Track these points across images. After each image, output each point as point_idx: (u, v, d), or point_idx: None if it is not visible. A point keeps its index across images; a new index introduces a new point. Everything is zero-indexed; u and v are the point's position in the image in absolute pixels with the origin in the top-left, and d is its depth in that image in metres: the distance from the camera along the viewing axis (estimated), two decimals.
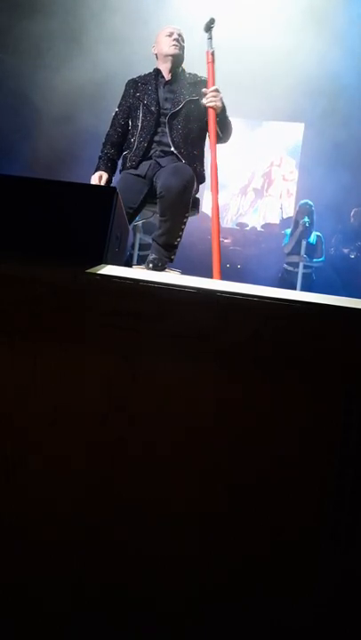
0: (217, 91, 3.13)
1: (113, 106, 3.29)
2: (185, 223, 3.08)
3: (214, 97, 3.12)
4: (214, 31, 3.29)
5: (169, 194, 2.95)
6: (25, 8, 6.25)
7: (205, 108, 3.16)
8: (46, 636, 1.21)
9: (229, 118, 3.24)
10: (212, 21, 3.26)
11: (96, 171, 3.18)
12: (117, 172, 3.26)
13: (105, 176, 3.16)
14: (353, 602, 1.16)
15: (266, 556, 1.18)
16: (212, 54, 3.23)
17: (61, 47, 6.39)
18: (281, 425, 1.18)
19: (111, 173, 3.21)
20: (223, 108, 3.16)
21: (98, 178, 3.15)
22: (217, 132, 3.18)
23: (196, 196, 3.19)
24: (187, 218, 3.10)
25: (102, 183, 3.14)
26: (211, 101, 3.12)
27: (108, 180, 3.18)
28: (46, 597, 1.21)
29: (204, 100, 3.13)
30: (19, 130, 6.50)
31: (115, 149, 3.21)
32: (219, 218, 3.15)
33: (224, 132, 3.22)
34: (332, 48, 6.55)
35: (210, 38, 3.26)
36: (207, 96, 3.13)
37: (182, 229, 3.07)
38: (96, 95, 6.03)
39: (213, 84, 3.16)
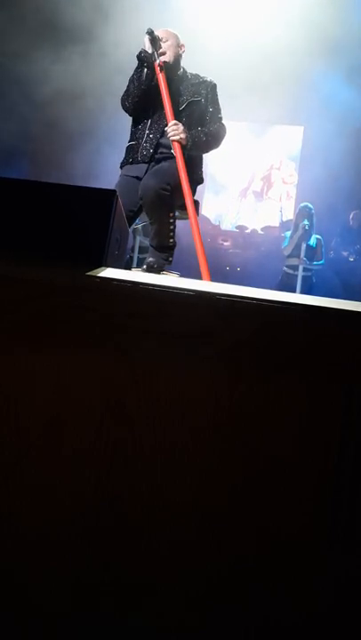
0: (175, 124, 3.04)
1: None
2: (173, 224, 3.03)
3: (175, 130, 3.03)
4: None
5: (146, 195, 2.94)
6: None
7: (206, 111, 3.15)
8: (46, 633, 1.22)
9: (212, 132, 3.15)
10: (150, 32, 3.08)
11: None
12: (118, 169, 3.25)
13: None
14: (353, 601, 1.17)
15: (265, 556, 1.18)
16: (160, 66, 3.07)
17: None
18: (280, 425, 1.19)
19: None
20: (189, 137, 3.06)
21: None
22: (201, 149, 3.14)
23: (195, 198, 3.18)
24: (173, 218, 3.03)
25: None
26: (173, 136, 3.04)
27: None
28: (45, 597, 1.22)
29: (168, 135, 3.04)
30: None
31: None
32: (199, 229, 3.08)
33: (206, 148, 3.18)
34: (333, 51, 6.58)
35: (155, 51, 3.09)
36: (168, 131, 3.05)
37: (171, 230, 3.02)
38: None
39: (172, 117, 3.05)
